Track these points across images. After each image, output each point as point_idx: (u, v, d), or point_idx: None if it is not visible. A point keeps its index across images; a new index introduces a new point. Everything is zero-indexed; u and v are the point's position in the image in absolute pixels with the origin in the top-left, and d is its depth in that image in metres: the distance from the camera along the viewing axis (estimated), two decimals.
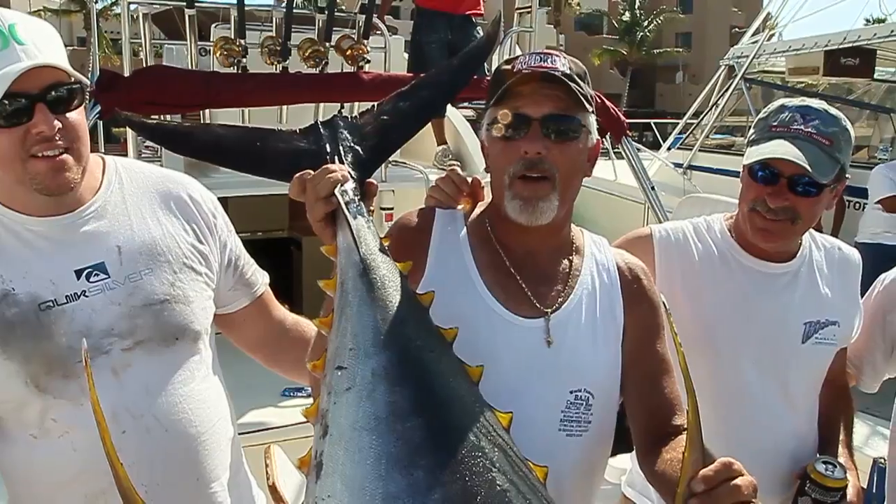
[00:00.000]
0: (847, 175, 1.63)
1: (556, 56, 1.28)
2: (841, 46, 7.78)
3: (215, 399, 1.50)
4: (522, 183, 1.25)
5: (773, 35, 9.01)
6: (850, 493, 1.59)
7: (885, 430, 2.00)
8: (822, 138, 1.55)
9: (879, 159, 7.08)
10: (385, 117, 1.34)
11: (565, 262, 1.36)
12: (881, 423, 3.30)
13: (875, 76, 8.81)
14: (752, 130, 1.71)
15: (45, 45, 1.27)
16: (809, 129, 1.57)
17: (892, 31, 7.32)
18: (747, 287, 1.68)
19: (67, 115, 1.28)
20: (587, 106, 1.27)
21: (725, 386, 1.68)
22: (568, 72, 1.26)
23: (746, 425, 1.68)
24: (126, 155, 3.66)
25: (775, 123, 1.62)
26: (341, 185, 1.16)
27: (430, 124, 4.76)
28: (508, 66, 1.29)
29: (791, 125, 1.59)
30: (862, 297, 1.84)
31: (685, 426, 1.27)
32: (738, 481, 0.98)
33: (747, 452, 1.61)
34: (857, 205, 6.37)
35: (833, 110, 1.62)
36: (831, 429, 1.76)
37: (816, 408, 1.77)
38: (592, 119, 1.30)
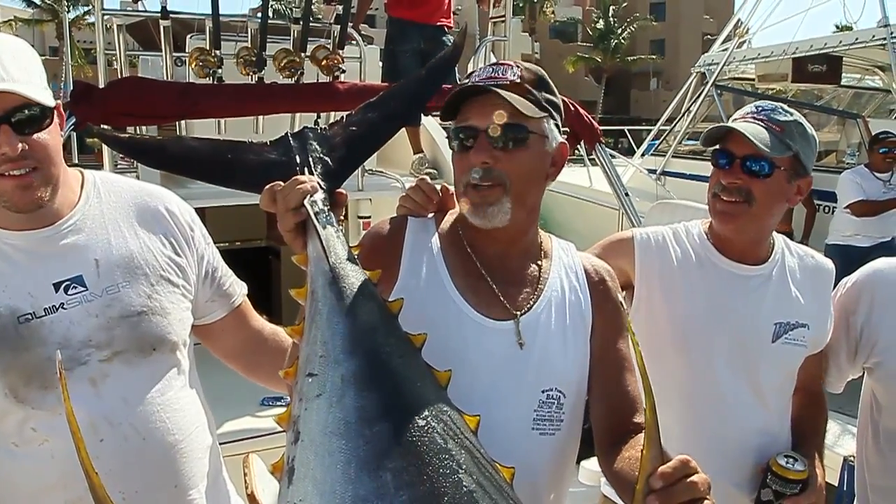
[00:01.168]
0: (809, 173, 1.70)
1: (508, 66, 1.31)
2: (808, 54, 7.94)
3: (193, 408, 1.51)
4: (473, 190, 1.29)
5: (743, 42, 9.15)
6: (813, 486, 1.64)
7: (855, 429, 2.06)
8: (773, 125, 1.66)
9: (847, 164, 7.19)
10: (354, 128, 1.36)
11: (534, 265, 1.39)
12: (852, 422, 3.37)
13: (842, 82, 9.00)
14: None
15: (14, 68, 1.27)
16: (762, 117, 1.68)
17: (856, 39, 7.46)
18: (720, 287, 1.74)
19: (35, 136, 1.29)
20: (538, 112, 1.28)
21: (699, 383, 1.73)
22: (518, 80, 1.28)
23: (719, 421, 1.73)
24: (101, 166, 3.65)
25: (736, 117, 1.75)
26: (310, 196, 1.18)
27: (406, 133, 4.79)
28: (466, 81, 1.33)
29: (747, 115, 1.72)
30: None
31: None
32: (694, 478, 1.00)
33: (720, 448, 1.68)
34: (827, 208, 6.49)
35: (790, 109, 1.71)
36: (803, 433, 1.81)
37: (788, 407, 1.81)
38: (548, 124, 1.32)
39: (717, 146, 1.71)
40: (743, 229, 1.71)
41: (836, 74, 8.39)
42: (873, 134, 6.37)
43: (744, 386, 1.73)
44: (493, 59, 4.65)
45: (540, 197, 1.38)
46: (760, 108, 1.70)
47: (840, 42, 7.72)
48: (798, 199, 1.73)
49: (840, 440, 3.68)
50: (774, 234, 1.81)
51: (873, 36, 7.07)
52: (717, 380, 1.72)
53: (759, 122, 1.66)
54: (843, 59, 8.27)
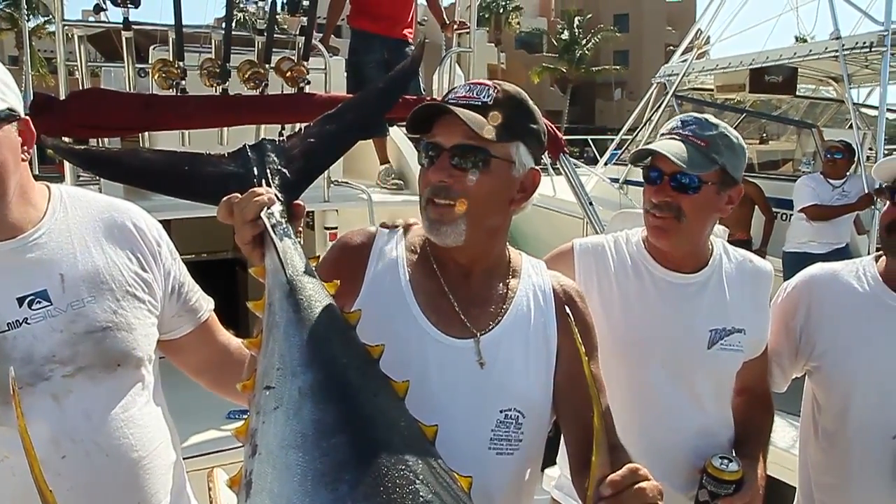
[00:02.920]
0: (739, 182, 1.74)
1: (485, 87, 1.30)
2: (765, 65, 8.14)
3: (157, 424, 1.51)
4: (430, 206, 1.29)
5: (702, 54, 9.33)
6: (749, 485, 1.67)
7: None
8: (698, 140, 1.69)
9: (803, 172, 7.38)
10: (312, 140, 1.36)
11: (501, 284, 1.39)
12: None
13: (798, 93, 9.24)
14: None
15: None
16: (686, 133, 1.72)
17: (810, 51, 7.67)
18: (656, 296, 1.77)
19: None
20: (500, 136, 1.26)
21: (638, 389, 1.76)
22: (490, 102, 1.27)
23: (658, 425, 1.77)
24: (62, 177, 3.59)
25: (664, 132, 1.78)
26: (268, 208, 1.18)
27: (373, 144, 4.80)
28: (448, 96, 1.33)
29: (672, 131, 1.75)
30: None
31: (616, 444, 1.29)
32: (643, 485, 1.02)
33: (659, 450, 1.71)
34: (785, 216, 6.66)
35: (714, 120, 1.75)
36: (746, 434, 1.85)
37: (728, 410, 1.86)
38: (517, 149, 1.30)
39: (648, 162, 1.74)
40: (677, 243, 1.75)
41: (791, 85, 8.62)
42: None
43: (681, 391, 1.77)
44: (459, 70, 4.70)
45: (504, 220, 1.37)
46: (686, 123, 1.73)
47: (795, 54, 7.92)
48: (730, 208, 1.76)
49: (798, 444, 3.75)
50: (713, 239, 1.85)
51: (826, 48, 7.28)
52: (654, 385, 1.76)
53: (684, 139, 1.70)
54: (799, 70, 8.50)
